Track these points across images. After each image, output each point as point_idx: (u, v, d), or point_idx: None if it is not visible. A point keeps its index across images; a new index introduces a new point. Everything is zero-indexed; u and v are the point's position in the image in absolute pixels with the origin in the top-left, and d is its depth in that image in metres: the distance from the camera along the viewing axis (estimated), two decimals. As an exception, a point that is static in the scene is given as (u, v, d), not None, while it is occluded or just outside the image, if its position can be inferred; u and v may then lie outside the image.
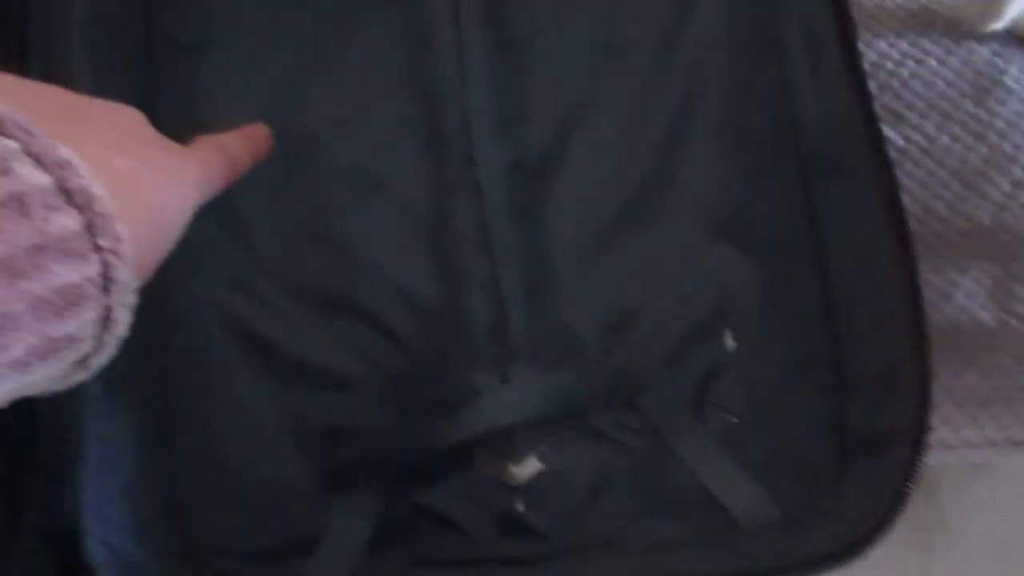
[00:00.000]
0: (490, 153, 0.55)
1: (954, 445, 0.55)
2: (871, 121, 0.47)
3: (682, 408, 0.51)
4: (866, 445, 0.47)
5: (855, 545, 0.41)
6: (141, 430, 0.47)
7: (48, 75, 0.48)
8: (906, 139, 0.57)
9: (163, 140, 0.34)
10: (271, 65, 0.56)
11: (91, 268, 0.25)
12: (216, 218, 0.54)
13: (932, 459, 0.56)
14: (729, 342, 0.52)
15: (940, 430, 0.54)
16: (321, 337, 0.52)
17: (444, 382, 0.51)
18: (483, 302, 0.53)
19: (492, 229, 0.54)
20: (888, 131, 0.57)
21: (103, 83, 0.49)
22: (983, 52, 0.59)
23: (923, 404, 0.43)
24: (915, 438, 0.43)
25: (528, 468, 0.50)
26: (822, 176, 0.52)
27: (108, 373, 0.46)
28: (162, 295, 0.52)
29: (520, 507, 0.50)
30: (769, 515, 0.47)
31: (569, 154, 0.55)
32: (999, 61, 0.58)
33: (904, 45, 0.59)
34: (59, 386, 0.27)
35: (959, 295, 0.54)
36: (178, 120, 0.55)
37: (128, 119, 0.32)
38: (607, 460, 0.51)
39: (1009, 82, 0.58)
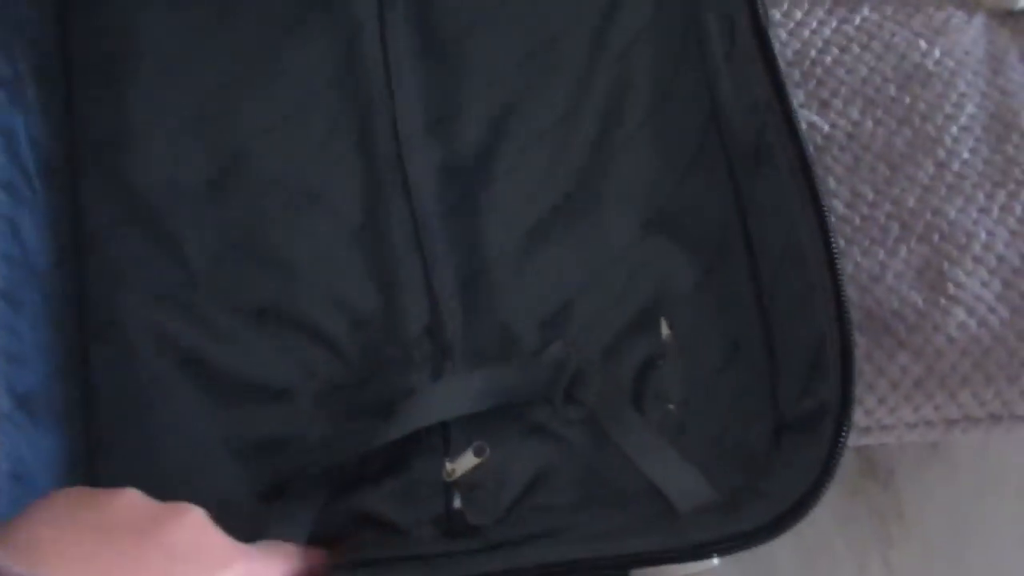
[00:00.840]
0: (419, 154, 0.55)
1: (890, 426, 0.55)
2: (784, 102, 0.47)
3: (621, 399, 0.51)
4: (796, 424, 0.47)
5: (782, 518, 0.41)
6: (58, 446, 0.47)
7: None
8: (832, 125, 0.57)
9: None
10: (198, 78, 0.56)
11: None
12: (142, 234, 0.53)
13: (871, 440, 0.56)
14: (665, 330, 0.52)
15: (876, 411, 0.54)
16: (256, 349, 0.52)
17: (380, 385, 0.51)
18: (417, 303, 0.53)
19: (423, 229, 0.54)
20: (814, 117, 0.58)
21: (12, 93, 0.49)
22: (905, 36, 0.59)
23: (846, 379, 0.43)
24: (839, 412, 0.43)
25: (464, 464, 0.50)
26: (744, 162, 0.52)
27: (16, 388, 0.46)
28: (82, 312, 0.51)
29: (457, 503, 0.49)
30: (706, 498, 0.47)
31: (502, 151, 0.55)
32: (922, 44, 0.59)
33: (827, 32, 0.59)
34: None
35: (889, 276, 0.54)
36: (103, 133, 0.54)
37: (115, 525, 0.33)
38: (546, 453, 0.51)
39: (931, 66, 0.58)
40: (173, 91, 0.55)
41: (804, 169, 0.46)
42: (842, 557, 0.86)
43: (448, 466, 0.50)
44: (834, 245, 0.45)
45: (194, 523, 0.36)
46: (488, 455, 0.50)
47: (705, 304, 0.53)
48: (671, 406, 0.51)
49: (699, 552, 0.42)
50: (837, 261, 0.45)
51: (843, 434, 0.43)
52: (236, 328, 0.52)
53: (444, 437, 0.51)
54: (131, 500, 0.35)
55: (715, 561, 0.44)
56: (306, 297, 0.53)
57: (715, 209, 0.53)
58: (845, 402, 0.43)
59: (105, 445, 0.50)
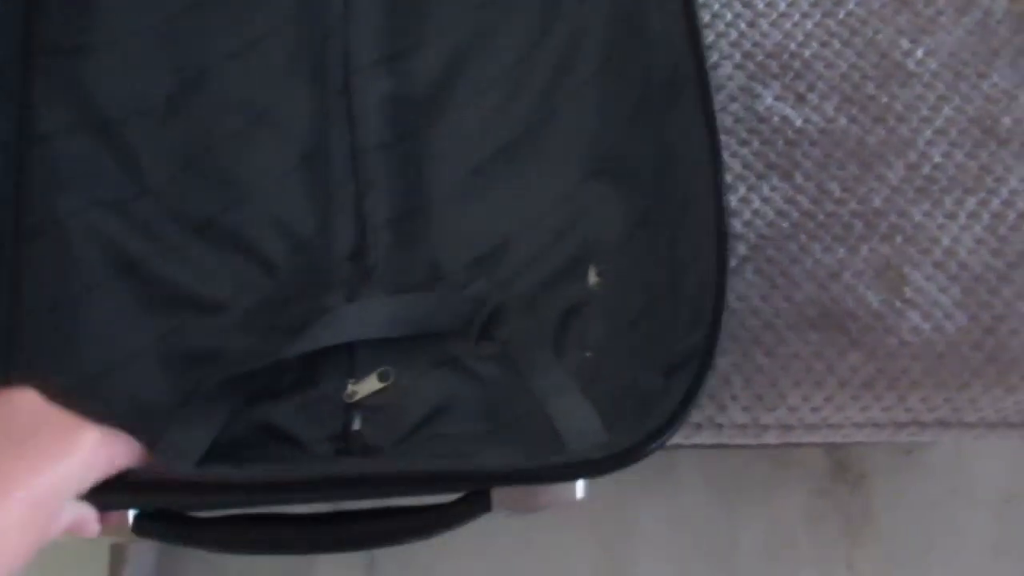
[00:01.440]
0: (366, 85, 0.57)
1: (838, 424, 0.55)
2: (695, 38, 0.50)
3: (539, 340, 0.52)
4: (679, 365, 0.48)
5: (627, 451, 0.42)
6: None
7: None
8: (805, 119, 0.57)
9: None
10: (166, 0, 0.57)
11: None
12: (101, 140, 0.55)
13: (818, 438, 0.56)
14: (592, 278, 0.53)
15: (823, 409, 0.54)
16: (195, 262, 0.54)
17: (301, 304, 0.53)
18: (348, 228, 0.54)
19: (360, 157, 0.55)
20: (787, 110, 0.57)
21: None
22: (889, 33, 0.58)
23: (715, 321, 0.45)
24: (702, 355, 0.44)
25: (367, 387, 0.51)
26: (667, 106, 0.52)
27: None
28: (18, 209, 0.53)
29: (357, 424, 0.51)
30: (598, 440, 0.48)
31: (455, 89, 0.57)
32: (904, 43, 0.58)
33: (809, 25, 0.59)
34: None
35: (847, 275, 0.54)
36: (65, 39, 0.56)
37: None
38: (454, 384, 0.52)
39: (912, 65, 0.58)
40: (140, 11, 0.57)
41: (705, 112, 0.47)
42: (806, 555, 0.86)
43: (350, 387, 0.51)
44: (723, 189, 0.46)
45: (27, 403, 0.37)
46: (392, 380, 0.51)
47: (633, 254, 0.53)
48: (588, 353, 0.52)
49: (546, 474, 0.43)
50: (723, 203, 0.46)
51: (704, 374, 0.44)
52: (177, 239, 0.54)
53: (350, 357, 0.52)
54: None
55: (578, 493, 0.44)
56: (249, 216, 0.54)
57: (652, 156, 0.54)
58: (709, 343, 0.44)
59: (27, 337, 0.51)
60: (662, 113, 0.53)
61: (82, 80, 0.56)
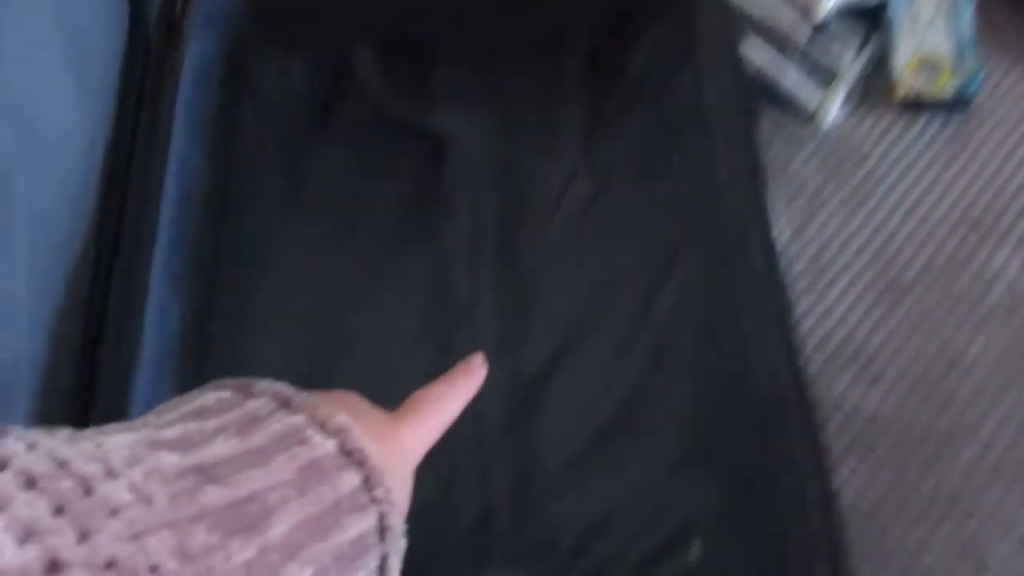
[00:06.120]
0: (490, 371, 0.62)
1: None
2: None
3: None
4: None
5: None
6: None
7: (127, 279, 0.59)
8: (877, 405, 0.62)
9: (380, 410, 0.40)
10: (319, 279, 0.66)
11: (370, 520, 0.28)
12: None
13: None
14: (695, 552, 0.57)
15: None
16: None
17: (428, 573, 0.56)
18: (472, 500, 0.59)
19: (486, 437, 0.60)
20: (859, 396, 0.62)
21: (173, 287, 0.60)
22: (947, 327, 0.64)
23: None
24: None
25: None
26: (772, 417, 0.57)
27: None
28: None
29: None
30: None
31: (562, 373, 0.62)
32: (962, 335, 0.64)
33: (878, 314, 0.65)
34: None
35: (928, 557, 0.57)
36: (231, 320, 0.64)
37: (355, 399, 0.39)
38: None
39: (971, 357, 0.63)
40: (299, 289, 0.65)
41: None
42: None
43: None
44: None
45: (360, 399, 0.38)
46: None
47: (732, 533, 0.57)
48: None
49: None
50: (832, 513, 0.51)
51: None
52: None
53: None
54: None
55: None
56: None
57: (747, 446, 0.58)
58: None
59: None
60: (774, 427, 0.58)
61: (241, 357, 0.63)
